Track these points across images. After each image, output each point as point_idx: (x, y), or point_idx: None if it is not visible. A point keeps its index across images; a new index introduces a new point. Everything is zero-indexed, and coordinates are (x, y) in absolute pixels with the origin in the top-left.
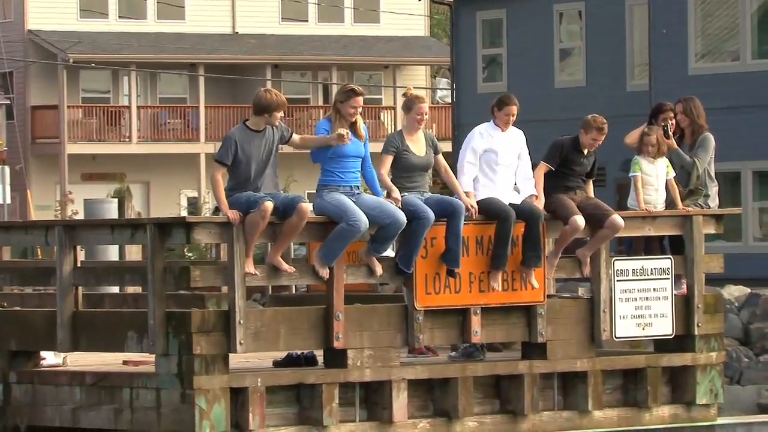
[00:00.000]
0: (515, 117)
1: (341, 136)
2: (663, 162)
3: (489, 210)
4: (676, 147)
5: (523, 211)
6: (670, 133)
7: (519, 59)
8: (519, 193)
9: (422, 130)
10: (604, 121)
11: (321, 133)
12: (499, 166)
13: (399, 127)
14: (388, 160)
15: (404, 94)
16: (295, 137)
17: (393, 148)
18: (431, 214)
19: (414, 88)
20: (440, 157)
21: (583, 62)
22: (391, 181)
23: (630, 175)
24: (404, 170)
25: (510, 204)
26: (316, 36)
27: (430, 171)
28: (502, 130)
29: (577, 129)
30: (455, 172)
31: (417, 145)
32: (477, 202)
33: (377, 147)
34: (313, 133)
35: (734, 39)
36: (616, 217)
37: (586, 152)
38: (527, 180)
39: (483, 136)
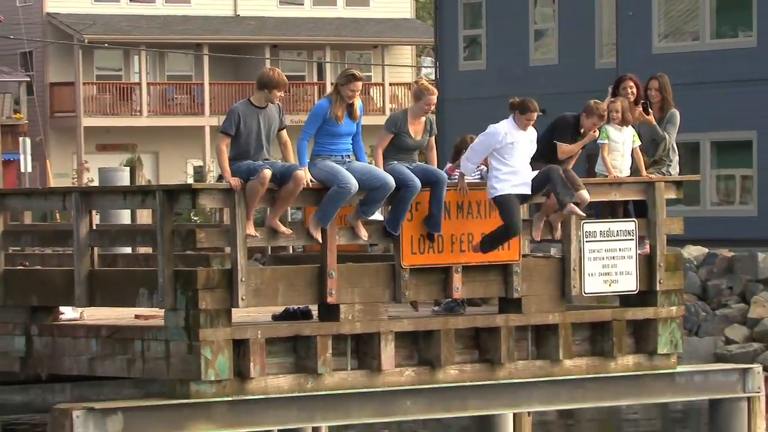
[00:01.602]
0: (532, 122)
1: (300, 179)
2: (629, 131)
3: None
4: (655, 123)
5: (539, 181)
6: (650, 110)
7: (497, 40)
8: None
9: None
10: (606, 108)
11: (321, 109)
12: (516, 154)
13: (388, 103)
14: (387, 137)
15: (416, 82)
16: (283, 134)
17: (394, 128)
18: (418, 183)
19: (410, 67)
20: (432, 139)
21: (555, 42)
22: (384, 153)
23: (598, 142)
24: (398, 149)
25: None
26: (311, 18)
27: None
28: (522, 130)
29: (550, 103)
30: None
31: (416, 129)
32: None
33: (368, 120)
34: (310, 109)
35: (694, 21)
36: (584, 193)
37: (582, 132)
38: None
39: (505, 135)
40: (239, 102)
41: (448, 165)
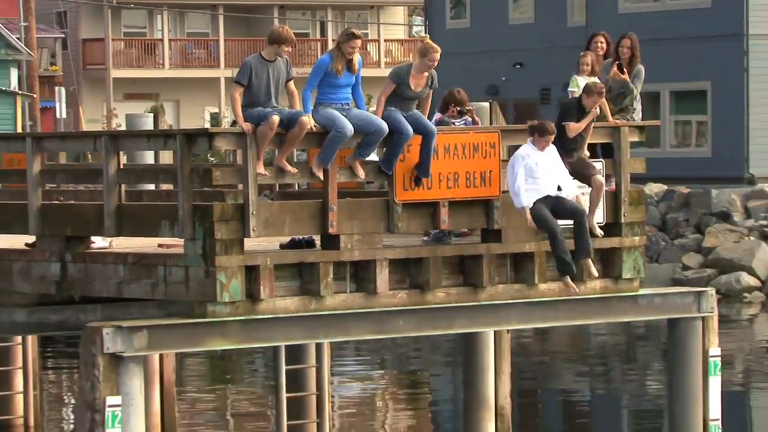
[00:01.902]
0: (550, 143)
1: (304, 124)
2: (596, 81)
3: None
4: (628, 80)
5: (567, 209)
6: (625, 70)
7: (480, 1)
8: (560, 190)
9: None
10: (603, 85)
11: (324, 63)
12: (540, 173)
13: (383, 57)
14: (390, 87)
15: (421, 41)
16: (290, 84)
17: (396, 79)
18: (410, 131)
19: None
20: (431, 92)
21: (531, 3)
22: (387, 100)
23: (569, 90)
24: (399, 98)
25: (556, 201)
26: None
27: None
28: (541, 151)
29: (527, 58)
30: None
31: (417, 82)
32: None
33: (365, 73)
34: (314, 63)
35: None
36: (598, 177)
37: (585, 111)
38: (567, 180)
39: (526, 157)
40: (251, 56)
41: (437, 115)
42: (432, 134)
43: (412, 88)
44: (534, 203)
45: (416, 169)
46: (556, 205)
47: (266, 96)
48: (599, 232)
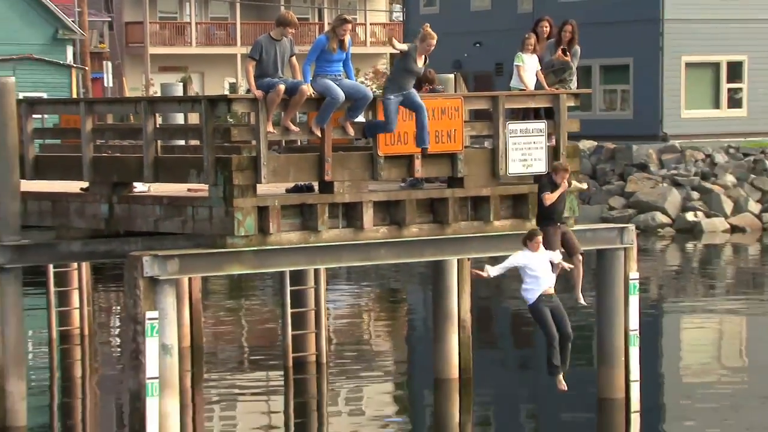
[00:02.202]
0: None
1: (304, 92)
2: (535, 58)
3: None
4: (569, 60)
5: (564, 322)
6: (569, 52)
7: None
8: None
9: None
10: (567, 165)
11: (321, 42)
12: (536, 271)
13: (369, 38)
14: (405, 46)
15: (422, 28)
16: (293, 60)
17: (412, 51)
18: (393, 125)
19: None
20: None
21: None
22: (392, 74)
23: (515, 64)
24: (405, 72)
25: (557, 308)
26: None
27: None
28: (535, 251)
29: (485, 38)
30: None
31: (419, 60)
32: None
33: (354, 50)
34: (313, 42)
35: None
36: (580, 256)
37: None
38: (554, 255)
39: (522, 258)
40: (262, 36)
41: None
42: (422, 110)
43: (417, 62)
44: (537, 302)
45: (416, 142)
46: (555, 312)
47: (274, 68)
48: (583, 302)
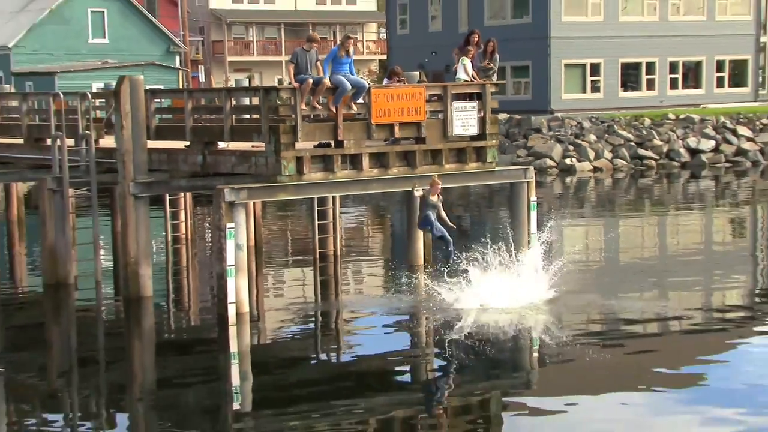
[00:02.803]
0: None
1: (325, 83)
2: (469, 60)
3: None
4: (492, 66)
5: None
6: (491, 65)
7: (413, 20)
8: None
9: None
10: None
11: (334, 51)
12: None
13: (365, 50)
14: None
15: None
16: (318, 63)
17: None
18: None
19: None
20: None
21: (440, 20)
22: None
23: (462, 64)
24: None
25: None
26: (330, 12)
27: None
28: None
29: (439, 49)
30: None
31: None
32: None
33: (355, 58)
34: (328, 51)
35: (503, 10)
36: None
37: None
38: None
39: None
40: (297, 48)
41: (386, 80)
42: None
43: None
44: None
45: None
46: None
47: (305, 69)
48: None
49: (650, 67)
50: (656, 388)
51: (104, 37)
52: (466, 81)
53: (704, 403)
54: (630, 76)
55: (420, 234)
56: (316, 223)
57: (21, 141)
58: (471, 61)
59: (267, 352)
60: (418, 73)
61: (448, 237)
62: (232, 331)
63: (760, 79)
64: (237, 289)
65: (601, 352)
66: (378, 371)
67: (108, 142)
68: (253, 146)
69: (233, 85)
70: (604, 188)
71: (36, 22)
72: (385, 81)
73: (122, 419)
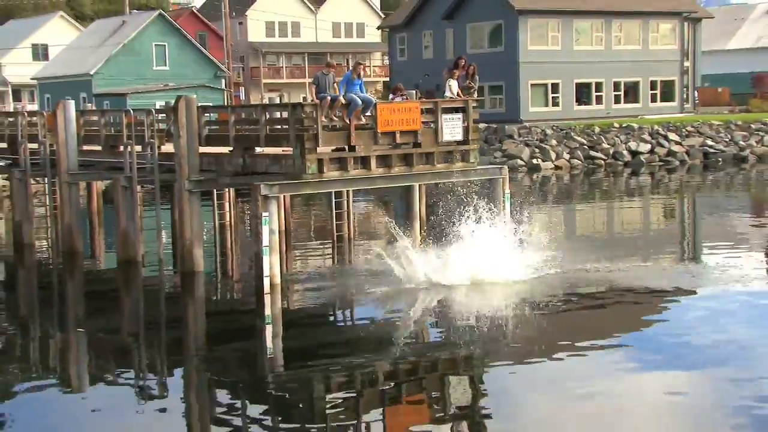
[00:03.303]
0: None
1: (340, 101)
2: (455, 81)
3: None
4: (473, 85)
5: None
6: (472, 84)
7: (410, 49)
8: None
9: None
10: None
11: (348, 75)
12: None
13: (372, 74)
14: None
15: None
16: (334, 85)
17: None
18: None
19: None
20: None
21: (432, 48)
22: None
23: (449, 83)
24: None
25: None
26: (343, 43)
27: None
28: None
29: (433, 71)
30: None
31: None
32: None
33: (365, 80)
34: (343, 75)
35: (482, 40)
36: None
37: None
38: None
39: None
40: (318, 72)
41: (391, 95)
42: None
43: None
44: None
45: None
46: None
47: (324, 89)
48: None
49: (599, 86)
50: (609, 344)
51: (165, 65)
52: (452, 98)
53: (646, 352)
54: (583, 93)
55: (417, 221)
56: (334, 211)
57: (100, 148)
58: (456, 81)
59: (295, 315)
60: (415, 91)
61: None
62: (267, 299)
63: (685, 96)
64: (271, 265)
65: (562, 315)
66: (383, 332)
67: (168, 148)
68: (283, 150)
69: (267, 102)
70: (563, 182)
71: (112, 54)
72: (391, 96)
73: (178, 371)
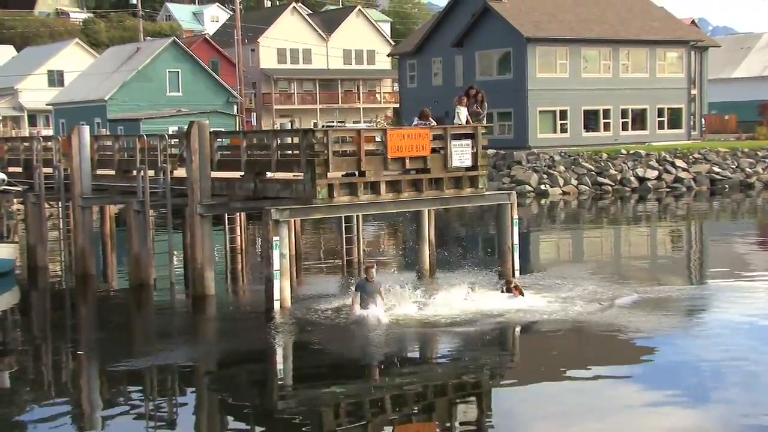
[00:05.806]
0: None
1: None
2: (464, 108)
3: None
4: (481, 111)
5: None
6: (480, 110)
7: (420, 77)
8: None
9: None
10: None
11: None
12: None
13: (382, 99)
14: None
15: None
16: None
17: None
18: None
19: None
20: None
21: (441, 75)
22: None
23: (457, 111)
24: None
25: None
26: (356, 70)
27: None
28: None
29: (441, 98)
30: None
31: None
32: None
33: (377, 105)
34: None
35: (490, 68)
36: None
37: None
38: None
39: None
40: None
41: (415, 120)
42: None
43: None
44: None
45: None
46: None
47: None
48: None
49: (606, 113)
50: (618, 363)
51: (178, 91)
52: (461, 125)
53: (655, 373)
54: (590, 120)
55: (426, 244)
56: (344, 236)
57: (113, 172)
58: (465, 108)
59: (304, 338)
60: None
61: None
62: (277, 321)
63: (692, 123)
64: (281, 288)
65: (574, 332)
66: (388, 353)
67: (180, 173)
68: (294, 176)
69: (279, 128)
70: (571, 208)
71: (126, 80)
72: (415, 120)
73: (190, 392)
